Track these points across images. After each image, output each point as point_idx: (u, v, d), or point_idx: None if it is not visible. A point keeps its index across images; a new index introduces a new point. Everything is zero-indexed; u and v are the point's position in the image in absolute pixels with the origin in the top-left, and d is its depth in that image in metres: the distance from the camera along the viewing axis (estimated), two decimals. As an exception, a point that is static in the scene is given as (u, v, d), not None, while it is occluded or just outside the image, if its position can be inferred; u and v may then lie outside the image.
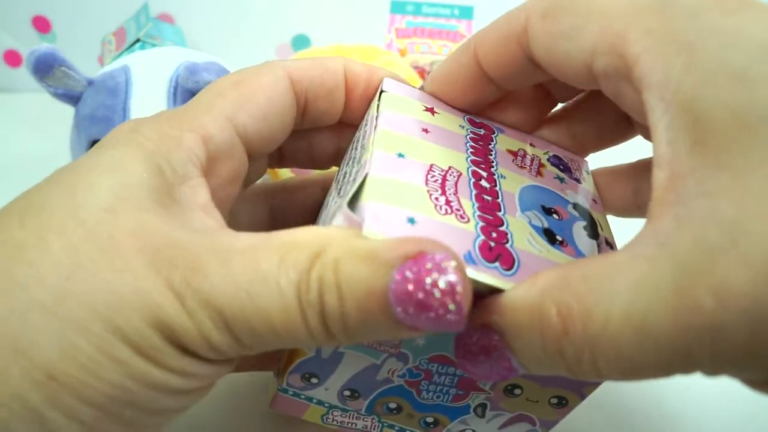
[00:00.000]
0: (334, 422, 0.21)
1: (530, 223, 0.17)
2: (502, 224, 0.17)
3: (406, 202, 0.16)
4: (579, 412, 0.20)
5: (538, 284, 0.14)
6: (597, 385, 0.18)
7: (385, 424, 0.21)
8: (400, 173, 0.17)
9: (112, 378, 0.14)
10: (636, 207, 0.21)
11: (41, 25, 0.56)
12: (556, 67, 0.17)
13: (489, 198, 0.17)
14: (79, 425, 0.14)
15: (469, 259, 0.15)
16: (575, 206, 0.19)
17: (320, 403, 0.20)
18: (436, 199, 0.16)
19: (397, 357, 0.18)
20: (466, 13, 0.50)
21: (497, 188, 0.18)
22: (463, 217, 0.16)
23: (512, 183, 0.18)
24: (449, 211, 0.16)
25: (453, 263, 0.13)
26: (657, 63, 0.13)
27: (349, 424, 0.21)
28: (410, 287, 0.13)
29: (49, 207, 0.15)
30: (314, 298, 0.14)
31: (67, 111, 0.34)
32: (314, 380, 0.19)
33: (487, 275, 0.15)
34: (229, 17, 0.56)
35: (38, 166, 0.45)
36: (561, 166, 0.20)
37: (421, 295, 0.13)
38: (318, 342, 0.15)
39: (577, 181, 0.20)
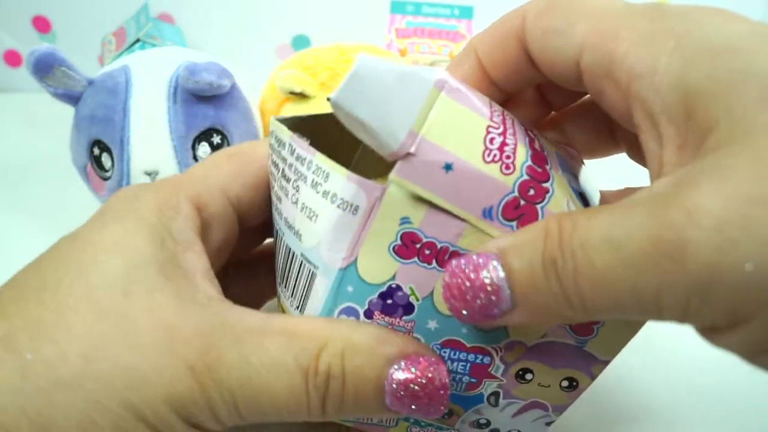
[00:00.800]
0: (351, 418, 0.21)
1: (570, 184, 0.17)
2: (548, 180, 0.17)
3: (457, 141, 0.16)
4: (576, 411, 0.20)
5: (543, 220, 0.15)
6: (606, 363, 0.19)
7: (401, 418, 0.21)
8: (468, 102, 0.16)
9: None
10: None
11: (41, 25, 0.56)
12: (548, 63, 0.17)
13: (539, 149, 0.17)
14: None
15: (487, 215, 0.16)
16: (580, 194, 0.19)
17: None
18: (491, 140, 0.16)
19: None
20: (466, 13, 0.50)
21: (541, 142, 0.18)
22: (508, 168, 0.16)
23: (546, 145, 0.18)
24: (497, 158, 0.16)
25: (443, 368, 0.17)
26: (645, 53, 0.14)
27: (366, 417, 0.21)
28: (405, 383, 0.17)
29: (66, 285, 0.16)
30: (321, 383, 0.16)
31: (67, 111, 0.34)
32: None
33: (494, 229, 0.16)
34: (229, 17, 0.56)
35: (38, 166, 0.45)
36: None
37: (413, 388, 0.17)
38: (311, 416, 0.17)
39: (576, 178, 0.20)
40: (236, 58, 0.40)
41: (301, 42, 0.58)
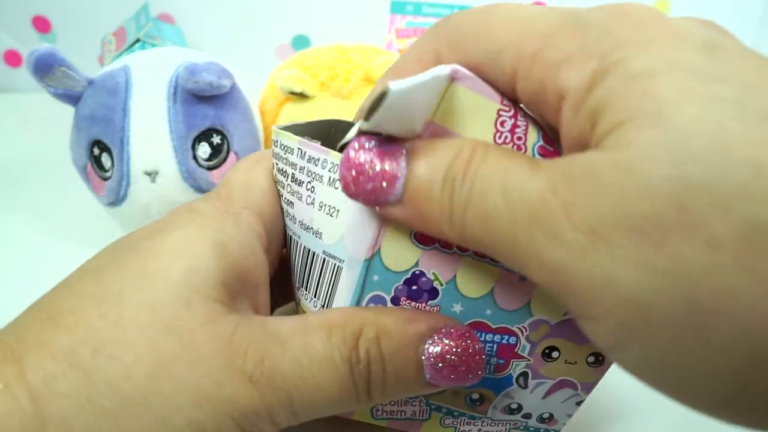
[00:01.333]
0: (384, 414, 0.21)
1: None
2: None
3: (468, 124, 0.16)
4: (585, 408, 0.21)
5: (462, 139, 0.15)
6: None
7: (432, 407, 0.21)
8: (479, 88, 0.16)
9: None
10: None
11: (41, 25, 0.56)
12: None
13: (548, 131, 0.17)
14: None
15: None
16: None
17: None
18: (502, 123, 0.16)
19: None
20: (466, 13, 0.50)
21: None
22: (519, 149, 0.16)
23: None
24: (508, 139, 0.16)
25: (474, 334, 0.18)
26: (571, 76, 0.14)
27: (399, 413, 0.21)
28: (443, 354, 0.17)
29: (127, 297, 0.16)
30: (363, 369, 0.17)
31: (67, 111, 0.34)
32: None
33: None
34: (229, 17, 0.56)
35: (38, 166, 0.45)
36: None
37: (451, 358, 0.17)
38: (359, 404, 0.17)
39: None
40: (236, 58, 0.40)
41: (301, 42, 0.58)
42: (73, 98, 0.33)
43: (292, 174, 0.19)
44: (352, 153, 0.15)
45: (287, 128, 0.19)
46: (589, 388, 0.21)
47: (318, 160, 0.18)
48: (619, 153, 0.12)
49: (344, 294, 0.18)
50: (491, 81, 0.16)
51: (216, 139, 0.33)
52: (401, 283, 0.18)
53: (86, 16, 0.56)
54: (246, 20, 0.57)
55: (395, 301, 0.18)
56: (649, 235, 0.11)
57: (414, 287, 0.18)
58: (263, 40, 0.58)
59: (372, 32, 0.51)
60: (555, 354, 0.20)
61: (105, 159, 0.32)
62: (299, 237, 0.19)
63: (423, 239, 0.17)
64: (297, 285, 0.20)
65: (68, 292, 0.17)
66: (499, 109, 0.16)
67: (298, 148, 0.18)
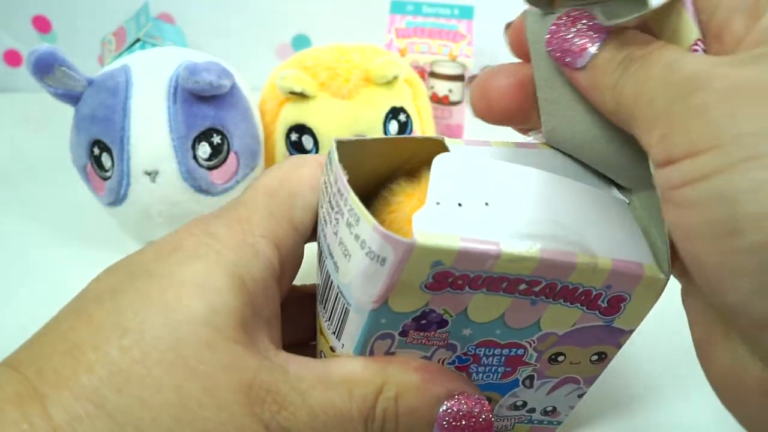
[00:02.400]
0: None
1: None
2: None
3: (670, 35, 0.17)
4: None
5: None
6: (631, 332, 0.19)
7: None
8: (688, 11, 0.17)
9: None
10: None
11: (41, 25, 0.56)
12: None
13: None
14: None
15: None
16: None
17: None
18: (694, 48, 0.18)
19: (446, 347, 0.19)
20: (466, 13, 0.50)
21: None
22: None
23: None
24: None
25: (486, 404, 0.18)
26: None
27: None
28: (454, 422, 0.18)
29: (149, 334, 0.16)
30: (378, 427, 0.17)
31: (67, 111, 0.34)
32: None
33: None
34: (229, 17, 0.56)
35: (38, 166, 0.45)
36: None
37: (462, 424, 0.18)
38: None
39: None
40: (236, 58, 0.40)
41: (301, 42, 0.58)
42: (73, 98, 0.33)
43: (330, 195, 0.18)
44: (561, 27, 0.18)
45: (345, 144, 0.18)
46: (591, 381, 0.22)
47: (343, 195, 0.17)
48: None
49: (353, 331, 0.18)
50: None
51: (216, 139, 0.33)
52: (410, 320, 0.18)
53: (86, 16, 0.56)
54: (246, 20, 0.56)
55: (403, 333, 0.18)
56: None
57: (423, 322, 0.18)
58: (263, 40, 0.58)
59: (372, 32, 0.51)
60: (561, 358, 0.20)
61: (105, 159, 0.32)
62: (326, 258, 0.19)
63: (434, 287, 0.17)
64: (318, 299, 0.20)
65: (87, 321, 0.16)
66: (697, 39, 0.17)
67: (336, 172, 0.17)
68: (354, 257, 0.16)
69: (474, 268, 0.16)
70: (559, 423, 0.24)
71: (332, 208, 0.18)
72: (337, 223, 0.17)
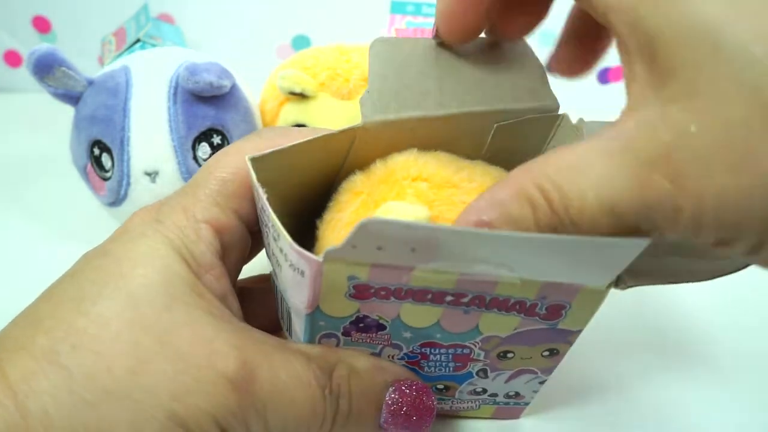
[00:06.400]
0: None
1: None
2: None
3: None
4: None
5: (513, 177, 0.15)
6: (580, 332, 0.19)
7: None
8: None
9: None
10: None
11: (41, 25, 0.56)
12: None
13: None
14: None
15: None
16: None
17: None
18: None
19: (392, 346, 0.19)
20: (466, 13, 0.50)
21: None
22: None
23: None
24: None
25: (430, 391, 0.20)
26: None
27: None
28: (401, 404, 0.19)
29: (107, 296, 0.16)
30: (334, 400, 0.18)
31: (67, 111, 0.34)
32: None
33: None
34: (229, 17, 0.56)
35: (38, 166, 0.45)
36: None
37: (407, 409, 0.19)
38: (321, 430, 0.19)
39: None
40: (236, 58, 0.40)
41: (301, 42, 0.58)
42: (73, 98, 0.33)
43: (259, 210, 0.19)
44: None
45: (257, 160, 0.18)
46: (548, 371, 0.22)
47: (265, 212, 0.17)
48: None
49: (298, 330, 0.19)
50: None
51: (216, 140, 0.33)
52: (348, 323, 0.18)
53: (86, 16, 0.55)
54: (246, 20, 0.56)
55: (346, 334, 0.19)
56: None
57: (361, 325, 0.18)
58: (263, 40, 0.58)
59: (372, 32, 0.51)
60: (510, 355, 0.20)
61: (105, 159, 0.32)
62: (270, 260, 0.19)
63: (358, 296, 0.17)
64: (275, 293, 0.21)
65: (46, 298, 0.17)
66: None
67: (257, 191, 0.18)
68: (282, 268, 0.17)
69: (392, 282, 0.16)
70: (526, 404, 0.24)
71: (263, 223, 0.19)
72: (267, 235, 0.18)
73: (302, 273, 0.16)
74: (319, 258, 0.15)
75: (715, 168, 0.12)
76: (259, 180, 0.17)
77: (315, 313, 0.17)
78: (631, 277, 0.18)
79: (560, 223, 0.14)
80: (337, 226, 0.20)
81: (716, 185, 0.12)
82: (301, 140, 0.19)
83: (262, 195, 0.17)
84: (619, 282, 0.18)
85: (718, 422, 0.26)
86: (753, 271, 0.17)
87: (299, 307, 0.17)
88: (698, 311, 0.32)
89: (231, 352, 0.16)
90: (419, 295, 0.17)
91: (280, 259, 0.17)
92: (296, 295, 0.17)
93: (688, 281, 0.19)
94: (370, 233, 0.14)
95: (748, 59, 0.12)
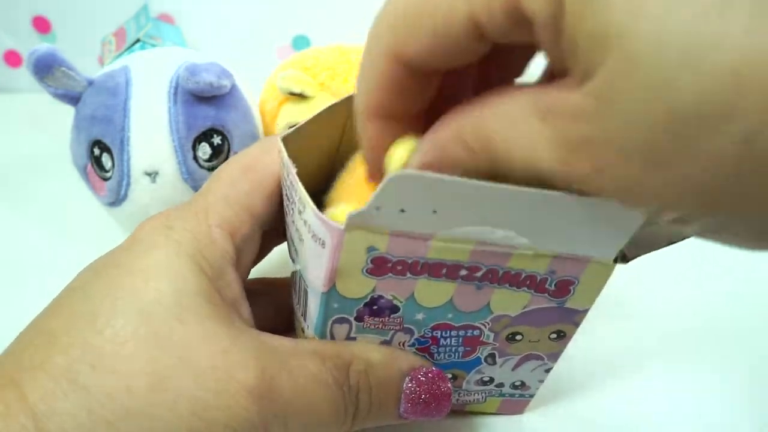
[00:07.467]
0: None
1: None
2: None
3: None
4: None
5: (452, 118, 0.15)
6: (586, 311, 0.20)
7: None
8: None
9: None
10: None
11: (41, 25, 0.56)
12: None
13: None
14: None
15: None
16: None
17: None
18: None
19: (404, 331, 0.20)
20: (466, 13, 0.50)
21: None
22: None
23: None
24: None
25: (444, 376, 0.20)
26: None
27: None
28: (419, 392, 0.20)
29: (121, 312, 0.16)
30: (354, 396, 0.18)
31: (67, 111, 0.34)
32: None
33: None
34: (230, 18, 0.56)
35: (38, 166, 0.45)
36: None
37: (425, 396, 0.20)
38: (342, 429, 0.19)
39: None
40: (236, 58, 0.40)
41: (301, 42, 0.58)
42: (73, 98, 0.33)
43: (286, 188, 0.19)
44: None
45: (287, 137, 0.19)
46: (555, 357, 0.22)
47: (293, 186, 0.18)
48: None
49: (312, 312, 0.19)
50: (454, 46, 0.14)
51: (216, 140, 0.33)
52: (362, 306, 0.18)
53: (86, 16, 0.55)
54: (246, 20, 0.56)
55: (358, 319, 0.19)
56: None
57: (375, 307, 0.18)
58: (263, 41, 0.58)
59: (372, 32, 0.51)
60: (518, 337, 0.21)
61: (105, 159, 0.32)
62: (290, 244, 0.20)
63: (375, 272, 0.17)
64: (291, 281, 0.21)
65: (59, 312, 0.17)
66: None
67: (286, 168, 0.18)
68: (305, 241, 0.18)
69: (409, 254, 0.17)
70: (531, 396, 0.24)
71: (289, 200, 0.19)
72: (293, 212, 0.18)
73: (323, 243, 0.16)
74: (341, 226, 0.16)
75: (634, 160, 0.12)
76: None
77: (330, 293, 0.18)
78: (633, 246, 0.18)
79: (491, 170, 0.14)
80: (351, 185, 0.20)
81: (632, 176, 0.12)
82: (312, 115, 0.20)
83: (292, 170, 0.18)
84: (624, 257, 0.18)
85: (722, 421, 0.26)
86: (757, 271, 0.17)
87: (316, 284, 0.18)
88: (700, 311, 0.33)
89: (249, 362, 0.16)
90: (435, 270, 0.17)
91: (303, 232, 0.18)
92: (314, 270, 0.17)
93: (684, 239, 0.18)
94: (398, 189, 0.14)
95: (652, 63, 0.11)
